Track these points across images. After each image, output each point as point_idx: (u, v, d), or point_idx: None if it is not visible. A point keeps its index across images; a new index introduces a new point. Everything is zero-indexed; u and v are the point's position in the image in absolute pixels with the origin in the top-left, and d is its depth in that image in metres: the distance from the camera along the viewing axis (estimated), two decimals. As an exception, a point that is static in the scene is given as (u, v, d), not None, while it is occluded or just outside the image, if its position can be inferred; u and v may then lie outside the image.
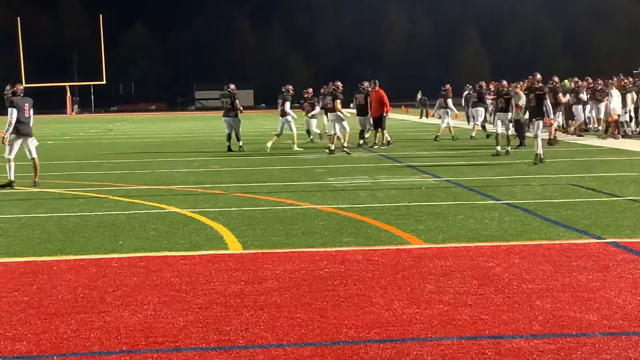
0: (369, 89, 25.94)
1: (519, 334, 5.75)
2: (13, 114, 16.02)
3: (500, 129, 21.57)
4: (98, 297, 6.95)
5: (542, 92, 18.83)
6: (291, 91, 25.81)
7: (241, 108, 25.26)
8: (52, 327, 6.05)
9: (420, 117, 53.40)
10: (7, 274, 8.00)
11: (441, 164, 19.60)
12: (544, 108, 18.73)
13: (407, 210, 11.83)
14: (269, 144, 24.49)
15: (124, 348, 5.55)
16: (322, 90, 27.39)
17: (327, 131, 25.51)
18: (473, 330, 5.86)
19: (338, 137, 23.07)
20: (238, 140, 24.90)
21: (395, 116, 47.72)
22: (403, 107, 69.32)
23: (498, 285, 7.18)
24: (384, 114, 25.46)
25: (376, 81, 26.11)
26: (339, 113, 23.46)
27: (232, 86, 25.59)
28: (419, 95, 57.20)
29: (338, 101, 23.43)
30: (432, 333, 5.80)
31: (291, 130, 25.17)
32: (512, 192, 13.87)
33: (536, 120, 18.75)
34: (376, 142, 25.60)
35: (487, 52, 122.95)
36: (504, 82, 23.10)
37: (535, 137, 18.71)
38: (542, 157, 18.48)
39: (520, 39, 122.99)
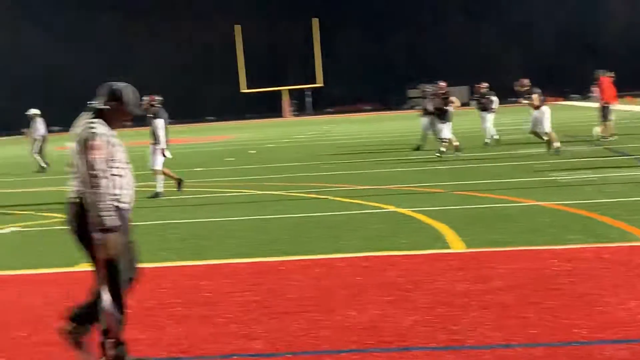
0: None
1: None
2: (162, 124, 16.04)
3: None
4: (325, 297, 7.05)
5: None
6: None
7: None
8: (283, 326, 6.20)
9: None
10: (238, 275, 8.28)
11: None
12: None
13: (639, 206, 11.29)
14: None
15: (353, 347, 5.60)
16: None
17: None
18: None
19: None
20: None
21: (620, 107, 45.80)
22: (629, 97, 66.28)
23: None
24: (607, 105, 24.46)
25: (603, 71, 24.97)
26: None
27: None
28: None
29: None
30: (674, 334, 5.49)
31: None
32: None
33: None
34: (604, 135, 24.48)
35: None
36: None
37: None
38: None
39: None
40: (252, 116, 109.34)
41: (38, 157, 27.35)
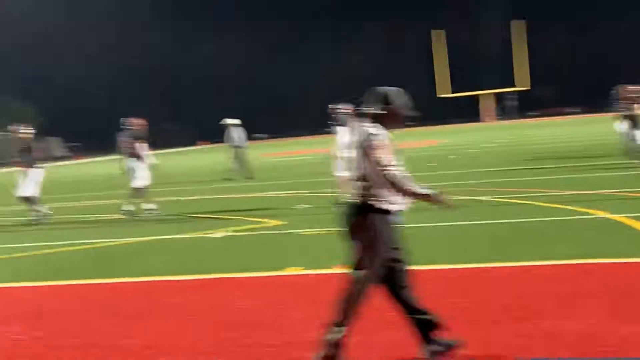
0: None
1: None
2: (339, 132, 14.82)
3: None
4: (534, 305, 6.87)
5: None
6: None
7: None
8: (490, 334, 6.09)
9: None
10: (443, 281, 8.22)
11: None
12: None
13: None
14: None
15: (567, 356, 5.42)
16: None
17: None
18: None
19: None
20: None
21: None
22: None
23: None
24: None
25: None
26: None
27: None
28: None
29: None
30: None
31: None
32: None
33: None
34: None
35: None
36: None
37: None
38: None
39: None
40: (449, 121, 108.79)
41: (234, 166, 28.21)
